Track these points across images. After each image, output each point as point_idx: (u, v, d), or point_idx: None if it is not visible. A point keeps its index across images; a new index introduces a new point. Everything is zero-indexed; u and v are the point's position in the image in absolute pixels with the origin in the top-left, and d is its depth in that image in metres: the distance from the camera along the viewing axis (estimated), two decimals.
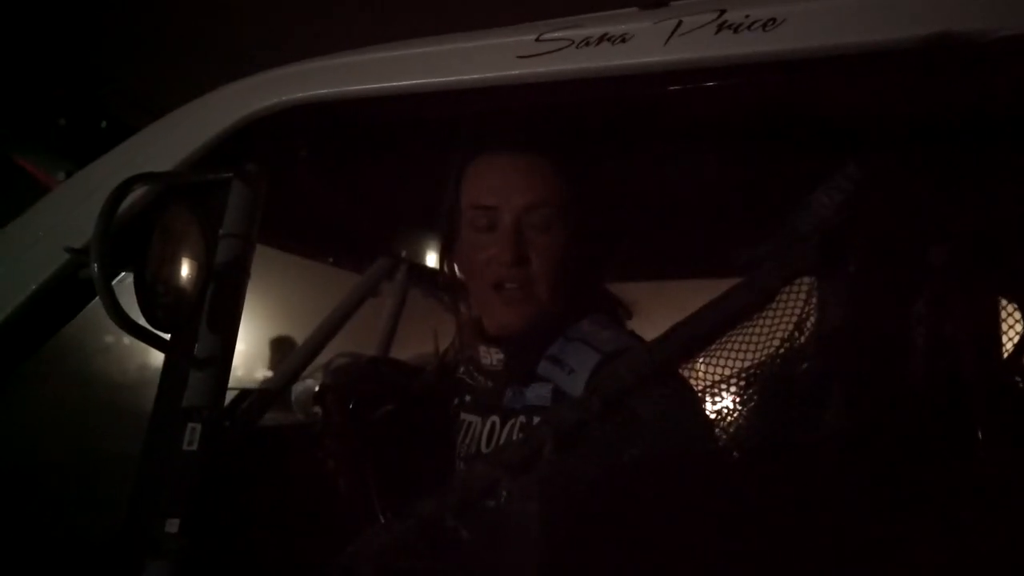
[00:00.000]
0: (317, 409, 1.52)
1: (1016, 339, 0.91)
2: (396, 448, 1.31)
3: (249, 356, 4.64)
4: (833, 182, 0.83)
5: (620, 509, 0.78)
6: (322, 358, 1.72)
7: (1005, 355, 0.92)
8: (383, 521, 1.11)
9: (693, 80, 0.89)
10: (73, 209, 1.10)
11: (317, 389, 1.50)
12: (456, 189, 1.23)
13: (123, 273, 1.00)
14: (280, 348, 4.47)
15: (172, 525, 0.94)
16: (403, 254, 2.06)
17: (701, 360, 0.82)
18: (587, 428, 0.78)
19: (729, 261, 0.85)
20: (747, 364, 0.79)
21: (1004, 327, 0.89)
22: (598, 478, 0.77)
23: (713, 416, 0.80)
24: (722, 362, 0.80)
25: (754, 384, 0.79)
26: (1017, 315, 0.90)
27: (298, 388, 1.85)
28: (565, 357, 1.13)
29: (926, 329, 0.84)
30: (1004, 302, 0.89)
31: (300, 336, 1.92)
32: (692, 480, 0.79)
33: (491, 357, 1.22)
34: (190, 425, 0.98)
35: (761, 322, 0.80)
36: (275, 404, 1.78)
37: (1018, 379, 0.97)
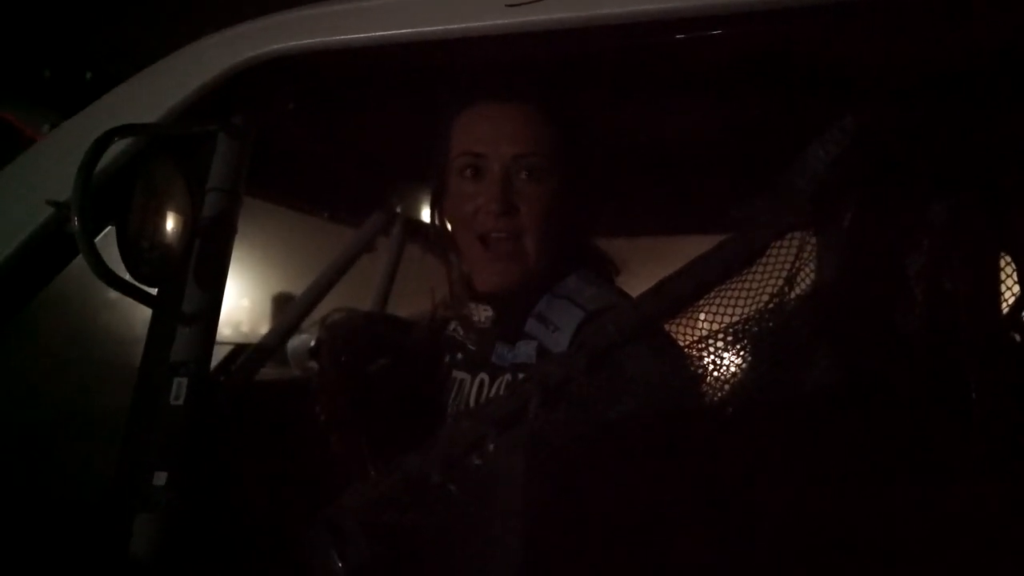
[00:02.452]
0: (312, 364, 1.52)
1: (1013, 295, 0.90)
2: (389, 404, 1.31)
3: (247, 311, 4.65)
4: (828, 135, 0.81)
5: (605, 465, 0.77)
6: (318, 313, 1.72)
7: (1002, 310, 0.91)
8: (371, 476, 1.12)
9: (688, 28, 0.86)
10: (57, 161, 1.08)
11: (313, 344, 1.50)
12: (446, 139, 1.20)
13: (108, 227, 0.99)
14: (277, 303, 4.48)
15: (160, 478, 0.94)
16: (399, 209, 2.05)
17: (691, 315, 0.81)
18: (573, 384, 0.77)
19: (723, 215, 0.84)
20: (737, 319, 0.78)
21: (1001, 283, 0.88)
22: (583, 434, 0.76)
23: (701, 371, 0.79)
24: (712, 317, 0.79)
25: (744, 339, 0.78)
26: (1014, 270, 0.89)
27: (294, 343, 1.86)
28: (550, 314, 1.12)
29: (920, 284, 0.83)
30: (1001, 257, 0.88)
31: (296, 291, 1.92)
32: (677, 436, 0.78)
33: (480, 314, 1.21)
34: (177, 380, 0.97)
35: (752, 276, 0.79)
36: (271, 359, 1.79)
37: (1015, 335, 0.96)
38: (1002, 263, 0.88)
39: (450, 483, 0.79)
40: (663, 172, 1.47)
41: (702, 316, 0.79)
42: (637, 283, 1.11)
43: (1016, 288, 0.89)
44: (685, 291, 0.79)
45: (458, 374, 1.26)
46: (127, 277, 0.95)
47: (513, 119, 1.14)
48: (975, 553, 0.76)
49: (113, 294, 0.96)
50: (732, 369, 0.79)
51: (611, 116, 1.19)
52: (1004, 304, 0.90)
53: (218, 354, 1.21)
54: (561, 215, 1.15)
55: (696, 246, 0.85)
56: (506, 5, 0.93)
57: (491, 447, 0.78)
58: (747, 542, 0.77)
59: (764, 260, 0.79)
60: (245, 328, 4.39)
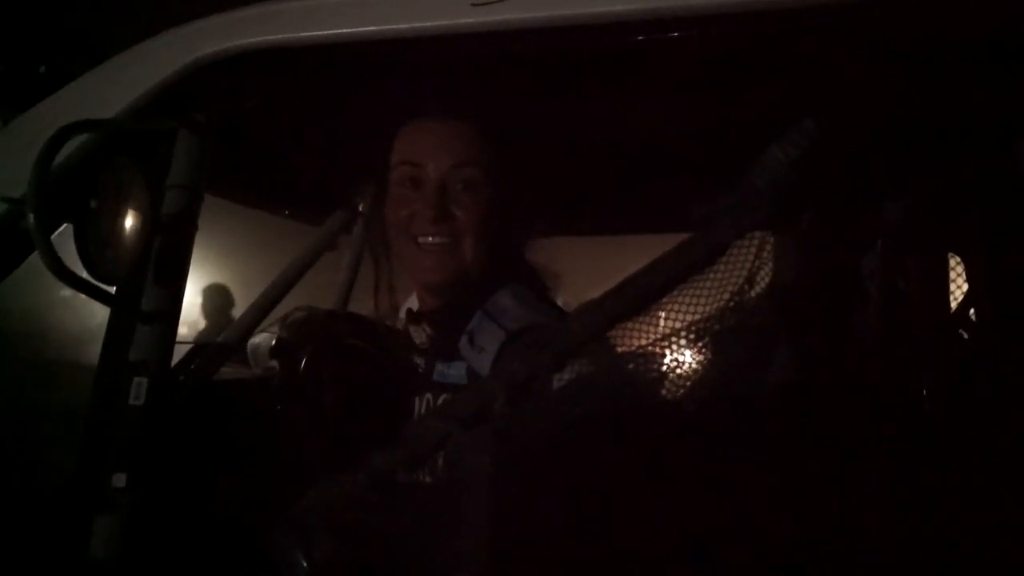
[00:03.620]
0: (273, 363, 1.51)
1: (961, 294, 0.93)
2: (350, 404, 1.31)
3: (204, 310, 4.58)
4: (788, 137, 0.83)
5: (567, 464, 0.78)
6: (279, 312, 1.70)
7: (951, 309, 0.94)
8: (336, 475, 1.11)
9: (649, 30, 0.87)
10: (12, 157, 1.06)
11: (274, 343, 1.49)
12: (388, 149, 1.24)
13: (64, 224, 0.97)
14: (237, 302, 4.43)
15: (119, 480, 0.93)
16: (361, 207, 2.03)
17: (653, 314, 0.82)
18: (536, 382, 0.77)
19: (673, 219, 0.85)
20: (697, 318, 0.79)
21: (952, 283, 0.90)
22: (546, 432, 0.77)
23: (658, 373, 0.80)
24: (672, 316, 0.80)
25: (703, 338, 0.79)
26: (963, 271, 0.92)
27: (255, 342, 1.84)
28: (478, 334, 1.13)
29: (875, 284, 0.85)
30: (952, 258, 0.91)
31: (257, 290, 1.89)
32: (634, 436, 0.79)
33: (421, 335, 1.25)
34: (136, 379, 0.96)
35: (712, 276, 0.80)
36: (232, 358, 1.76)
37: (962, 332, 0.99)
38: (952, 263, 0.91)
39: (416, 481, 0.79)
40: (621, 174, 1.48)
41: (665, 315, 0.80)
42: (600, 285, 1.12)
43: (964, 287, 0.92)
44: (649, 290, 0.79)
45: (409, 386, 1.26)
46: (84, 275, 0.94)
47: (452, 132, 1.18)
48: (927, 546, 0.78)
49: (68, 291, 0.94)
50: (692, 370, 0.80)
51: (573, 117, 1.20)
52: (953, 303, 0.93)
53: (176, 353, 1.20)
54: (495, 224, 1.19)
55: (647, 248, 0.86)
56: (471, 4, 0.93)
57: (455, 445, 0.78)
58: (708, 538, 0.79)
59: (724, 260, 0.80)
60: (203, 327, 4.33)
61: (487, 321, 1.13)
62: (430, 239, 1.17)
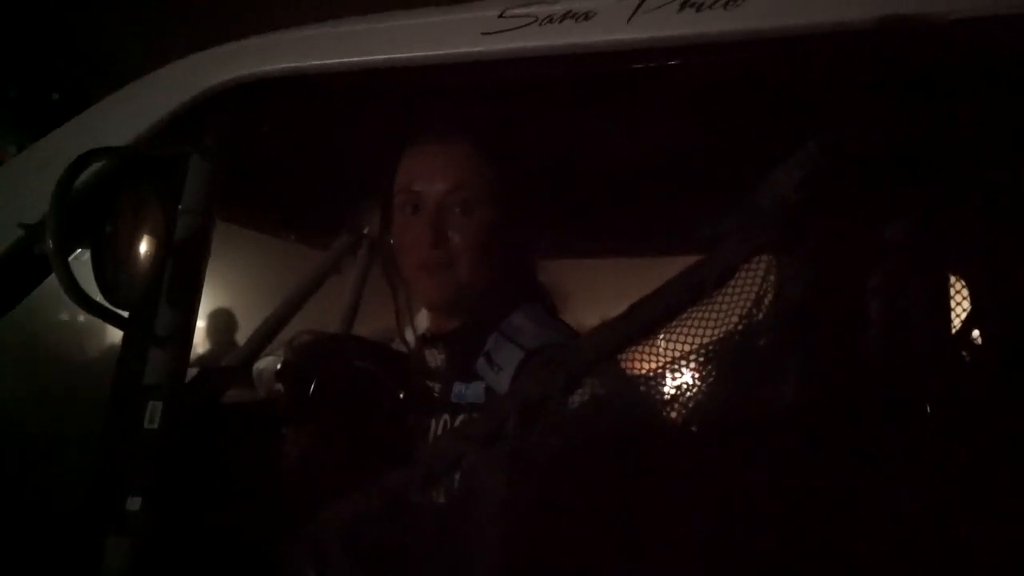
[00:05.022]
0: (279, 386, 1.51)
1: (967, 315, 0.94)
2: (358, 427, 1.32)
3: (212, 333, 4.58)
4: (793, 160, 0.84)
5: (582, 484, 0.79)
6: (284, 335, 1.71)
7: (958, 330, 0.94)
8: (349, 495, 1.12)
9: (656, 59, 0.89)
10: (27, 184, 1.08)
11: (279, 366, 1.50)
12: (390, 178, 1.28)
13: (79, 249, 0.98)
14: (241, 325, 4.43)
15: (134, 503, 0.93)
16: (366, 231, 2.05)
17: (663, 337, 0.83)
18: (552, 403, 0.78)
19: (688, 239, 0.86)
20: (707, 340, 0.80)
21: (957, 304, 0.91)
22: (561, 452, 0.78)
23: (671, 393, 0.81)
24: (683, 338, 0.81)
25: (713, 360, 0.80)
26: (967, 291, 0.93)
27: (260, 365, 1.84)
28: (496, 354, 1.16)
29: (882, 305, 0.86)
30: (957, 279, 0.92)
31: (262, 313, 1.91)
32: (647, 456, 0.80)
33: (435, 359, 1.27)
34: (151, 403, 0.97)
35: (721, 299, 0.81)
36: (237, 381, 1.77)
37: (968, 356, 0.99)
38: (955, 283, 0.92)
39: (430, 501, 0.80)
40: (627, 197, 1.50)
41: (673, 338, 0.81)
42: (600, 308, 1.14)
43: (968, 308, 0.93)
44: (657, 313, 0.81)
45: (422, 408, 1.28)
46: (99, 299, 0.95)
47: (447, 156, 1.22)
48: (935, 564, 0.79)
49: (81, 315, 0.95)
50: (698, 391, 0.81)
51: (581, 141, 1.22)
52: (958, 323, 0.94)
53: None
54: (494, 244, 1.21)
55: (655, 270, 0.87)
56: (480, 33, 0.95)
57: (470, 465, 0.79)
58: (720, 559, 0.79)
59: (732, 282, 0.81)
60: (208, 351, 4.33)
61: (503, 341, 1.15)
62: (431, 262, 1.20)
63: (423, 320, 1.39)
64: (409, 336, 1.39)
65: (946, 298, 0.90)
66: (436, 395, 1.26)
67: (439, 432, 1.21)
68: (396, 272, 1.32)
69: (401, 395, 1.37)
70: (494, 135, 1.23)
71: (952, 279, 0.90)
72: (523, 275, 1.30)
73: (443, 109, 1.17)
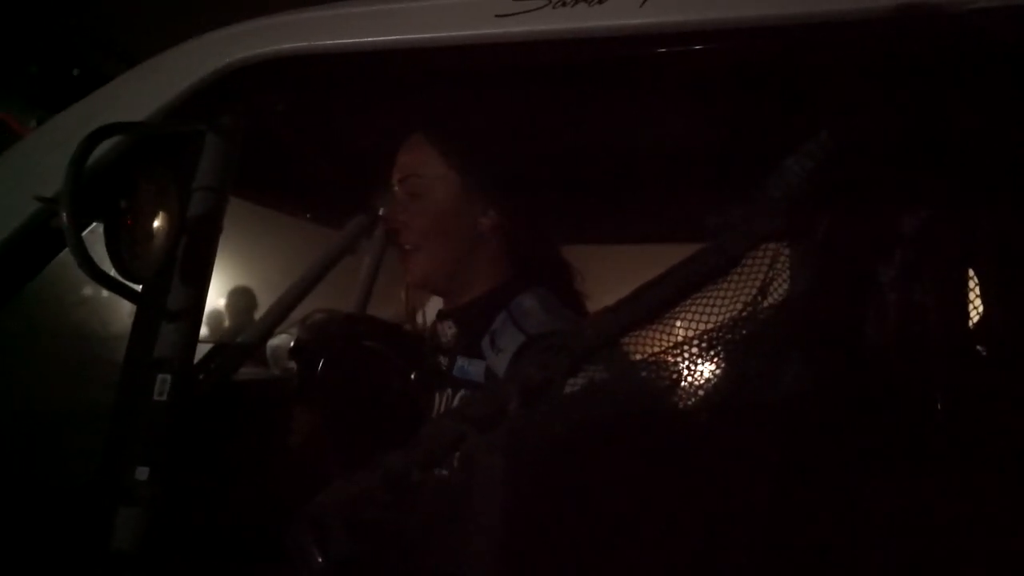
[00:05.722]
0: (292, 364, 1.52)
1: (979, 309, 0.93)
2: (366, 405, 1.33)
3: (225, 311, 4.62)
4: (804, 149, 0.84)
5: (581, 468, 0.79)
6: (298, 314, 1.73)
7: (969, 324, 0.94)
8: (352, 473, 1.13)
9: (668, 44, 0.89)
10: (44, 157, 1.09)
11: (292, 344, 1.51)
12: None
13: (94, 223, 1.00)
14: (258, 303, 4.46)
15: (142, 473, 0.95)
16: (381, 211, 2.05)
17: (666, 323, 0.83)
18: (553, 387, 0.79)
19: (700, 226, 0.86)
20: (711, 327, 0.80)
21: (969, 297, 0.90)
22: (561, 435, 0.78)
23: (671, 380, 0.81)
24: (686, 325, 0.81)
25: (717, 347, 0.80)
26: (978, 284, 0.92)
27: (273, 343, 1.86)
28: (499, 335, 1.18)
29: (890, 297, 0.85)
30: (969, 272, 0.91)
31: (278, 291, 1.92)
32: (647, 442, 0.80)
33: (446, 333, 1.30)
34: (160, 376, 0.98)
35: (726, 286, 0.81)
36: (251, 358, 1.79)
37: (980, 348, 0.98)
38: (968, 277, 0.91)
39: (431, 480, 0.81)
40: (636, 184, 1.50)
41: (679, 323, 0.81)
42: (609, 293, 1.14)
43: (981, 301, 0.92)
44: (664, 298, 0.81)
45: (429, 383, 1.29)
46: (113, 273, 0.96)
47: (403, 149, 1.30)
48: (941, 559, 0.79)
49: (95, 289, 0.96)
50: (703, 378, 0.81)
51: (592, 127, 1.21)
52: (971, 317, 0.93)
53: (198, 353, 1.22)
54: (453, 228, 1.27)
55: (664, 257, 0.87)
56: (495, 15, 0.95)
57: (470, 446, 0.79)
58: (721, 547, 0.79)
59: (739, 270, 0.81)
60: (223, 328, 4.36)
61: (509, 323, 1.17)
62: (403, 246, 1.28)
63: (434, 302, 1.41)
64: (419, 317, 1.42)
65: (956, 291, 0.90)
66: (442, 370, 1.27)
67: (441, 407, 1.22)
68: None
69: (412, 376, 1.39)
70: (499, 121, 1.25)
71: (962, 272, 0.90)
72: (532, 257, 1.31)
73: (455, 91, 1.17)
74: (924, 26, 0.85)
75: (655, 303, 0.80)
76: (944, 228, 0.86)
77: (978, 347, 0.98)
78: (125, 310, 1.05)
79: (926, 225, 0.85)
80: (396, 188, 1.29)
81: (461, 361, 1.23)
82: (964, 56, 0.86)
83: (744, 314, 0.79)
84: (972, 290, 0.91)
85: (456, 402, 1.20)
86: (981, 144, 0.86)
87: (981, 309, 0.91)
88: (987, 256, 0.93)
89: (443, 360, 1.29)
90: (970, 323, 0.93)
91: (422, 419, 1.27)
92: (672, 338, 0.81)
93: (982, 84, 0.87)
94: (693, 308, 0.80)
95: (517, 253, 1.30)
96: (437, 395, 1.26)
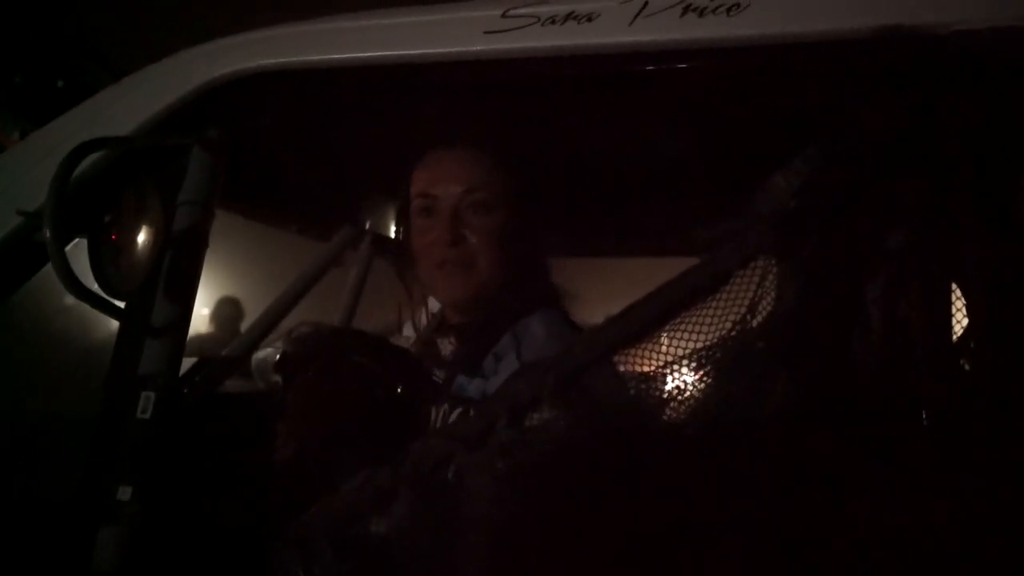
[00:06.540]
0: (277, 377, 1.51)
1: (964, 324, 0.93)
2: (354, 420, 1.32)
3: (209, 324, 4.59)
4: (792, 166, 0.84)
5: (569, 486, 0.79)
6: (284, 327, 1.71)
7: (955, 339, 0.94)
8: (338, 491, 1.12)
9: (655, 62, 0.89)
10: (28, 171, 1.08)
11: (278, 358, 1.50)
12: (407, 183, 1.31)
13: (77, 238, 0.98)
14: (243, 315, 4.44)
15: (124, 493, 0.94)
16: (368, 224, 2.05)
17: (656, 340, 0.83)
18: (541, 405, 0.78)
19: (690, 242, 0.86)
20: (699, 345, 0.80)
21: (955, 312, 0.91)
22: (549, 453, 0.78)
23: (662, 397, 0.81)
24: (675, 342, 0.81)
25: (705, 365, 0.80)
26: (966, 300, 0.92)
27: (259, 356, 1.85)
28: (500, 358, 1.19)
29: (878, 313, 0.85)
30: (955, 287, 0.91)
31: (262, 304, 1.91)
32: (636, 460, 0.80)
33: (446, 348, 1.29)
34: (144, 393, 0.97)
35: (715, 303, 0.81)
36: (236, 372, 1.78)
37: (963, 363, 0.99)
38: (954, 292, 0.92)
39: (418, 498, 0.80)
40: (630, 198, 1.50)
41: (669, 340, 0.81)
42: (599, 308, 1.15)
43: (966, 316, 0.93)
44: (653, 316, 0.81)
45: (423, 399, 1.29)
46: (95, 288, 0.95)
47: (460, 160, 1.26)
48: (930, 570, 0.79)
49: (78, 304, 0.95)
50: (692, 396, 0.81)
51: (588, 143, 1.22)
52: (956, 331, 0.93)
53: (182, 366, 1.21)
54: (508, 243, 1.24)
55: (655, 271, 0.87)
56: (483, 32, 0.95)
57: (457, 465, 0.79)
58: (709, 563, 0.79)
59: (727, 287, 0.81)
60: (208, 341, 4.33)
61: (512, 346, 1.19)
62: (448, 262, 1.23)
63: (433, 319, 1.40)
64: (406, 330, 1.41)
65: (944, 305, 0.90)
66: (439, 384, 1.27)
67: (437, 422, 1.22)
68: (412, 273, 1.34)
69: (398, 390, 1.38)
70: (508, 136, 1.25)
71: (950, 286, 0.90)
72: (541, 277, 1.32)
73: (444, 107, 1.17)
74: (906, 46, 0.86)
75: (644, 322, 0.80)
76: (930, 244, 0.87)
77: (964, 363, 0.99)
78: (110, 321, 1.03)
79: (913, 241, 0.85)
80: (449, 201, 1.24)
81: (461, 379, 1.23)
82: (947, 76, 0.87)
83: (734, 332, 0.79)
84: (958, 306, 0.91)
85: (453, 418, 1.20)
86: (965, 161, 0.87)
87: (967, 324, 0.91)
88: (972, 271, 0.94)
89: (439, 374, 1.29)
90: (955, 339, 0.94)
91: (411, 434, 1.26)
92: (662, 357, 0.81)
93: (965, 103, 0.88)
94: (682, 326, 0.80)
95: (530, 273, 1.30)
96: (434, 410, 1.25)
